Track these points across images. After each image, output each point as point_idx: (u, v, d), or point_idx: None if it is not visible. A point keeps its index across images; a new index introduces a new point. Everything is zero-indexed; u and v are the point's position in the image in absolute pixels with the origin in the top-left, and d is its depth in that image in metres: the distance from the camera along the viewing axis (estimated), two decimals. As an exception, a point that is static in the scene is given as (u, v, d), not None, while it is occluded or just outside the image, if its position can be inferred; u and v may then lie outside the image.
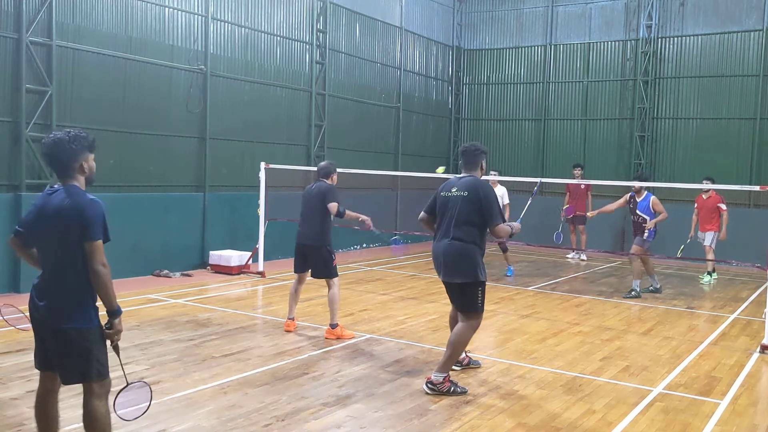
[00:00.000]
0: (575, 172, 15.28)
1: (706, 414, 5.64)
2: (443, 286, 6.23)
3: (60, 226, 3.71)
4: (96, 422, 3.80)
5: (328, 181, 7.78)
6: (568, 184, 15.15)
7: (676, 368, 6.96)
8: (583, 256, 15.37)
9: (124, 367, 4.04)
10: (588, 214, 12.61)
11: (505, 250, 12.77)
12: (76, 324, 3.72)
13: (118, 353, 3.87)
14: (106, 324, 3.79)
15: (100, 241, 3.70)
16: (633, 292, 10.79)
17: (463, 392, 5.91)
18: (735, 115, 15.89)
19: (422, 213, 6.33)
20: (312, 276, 7.84)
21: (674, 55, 16.61)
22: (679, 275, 13.62)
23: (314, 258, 7.67)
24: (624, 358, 7.25)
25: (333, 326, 7.65)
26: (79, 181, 3.84)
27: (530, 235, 14.23)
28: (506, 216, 12.37)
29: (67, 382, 3.85)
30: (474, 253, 5.91)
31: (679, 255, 12.33)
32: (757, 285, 12.55)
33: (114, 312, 3.75)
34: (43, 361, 3.89)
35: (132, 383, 3.98)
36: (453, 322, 6.31)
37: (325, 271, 7.67)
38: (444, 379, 5.87)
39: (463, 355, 6.54)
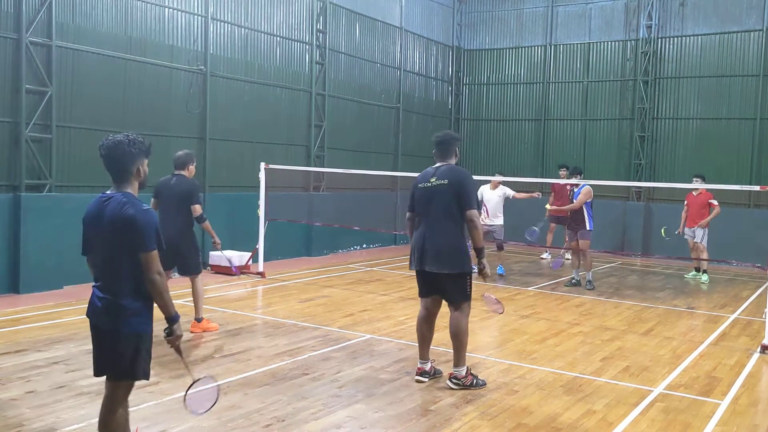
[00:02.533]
0: (561, 172, 15.25)
1: (707, 414, 5.63)
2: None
3: (115, 234, 3.73)
4: (116, 424, 3.86)
5: (186, 173, 7.63)
6: (553, 184, 15.11)
7: (677, 368, 6.96)
8: (568, 255, 15.35)
9: (188, 366, 4.21)
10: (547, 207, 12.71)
11: (500, 248, 12.70)
12: (134, 329, 3.77)
13: (181, 354, 3.95)
14: (165, 330, 3.84)
15: (155, 251, 3.73)
16: (589, 284, 11.36)
17: (484, 384, 6.00)
18: (735, 115, 15.89)
19: (408, 213, 6.24)
20: (179, 274, 7.65)
21: (674, 55, 16.61)
22: (678, 275, 13.61)
23: (180, 255, 7.44)
24: (624, 359, 7.24)
25: (198, 320, 7.66)
26: (134, 186, 3.87)
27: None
28: (522, 195, 12.47)
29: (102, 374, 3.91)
30: (461, 242, 5.93)
31: (663, 234, 12.53)
32: (757, 285, 12.54)
33: (172, 318, 3.81)
34: (99, 367, 3.91)
35: (199, 380, 4.10)
36: (423, 324, 6.17)
37: (192, 268, 7.57)
38: (466, 372, 5.93)
39: (429, 365, 6.21)
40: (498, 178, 12.32)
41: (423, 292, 6.19)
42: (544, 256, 15.55)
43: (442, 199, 5.91)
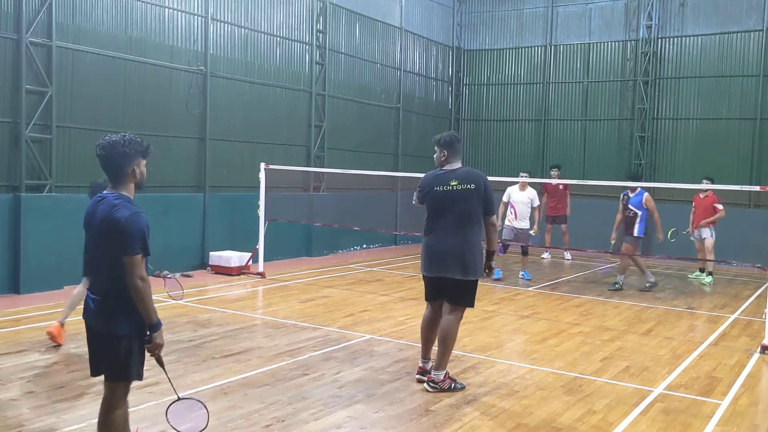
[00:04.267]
0: (552, 172, 15.27)
1: (707, 414, 5.63)
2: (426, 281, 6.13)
3: (104, 236, 3.71)
4: (115, 424, 3.85)
5: None
6: (546, 184, 15.12)
7: (677, 369, 6.96)
8: (568, 255, 15.35)
9: (170, 379, 4.06)
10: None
11: (525, 253, 12.53)
12: (126, 330, 3.75)
13: (162, 366, 3.88)
14: (145, 338, 3.78)
15: (139, 256, 3.66)
16: (617, 285, 11.40)
17: (462, 387, 5.95)
18: (735, 115, 15.89)
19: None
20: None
21: (674, 56, 16.61)
22: (679, 275, 13.61)
23: None
24: (624, 359, 7.24)
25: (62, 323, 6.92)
26: (129, 188, 3.82)
27: (533, 237, 14.26)
28: (536, 218, 12.28)
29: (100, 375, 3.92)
30: (481, 250, 5.93)
31: (669, 237, 12.47)
32: (757, 285, 12.55)
33: (153, 326, 3.73)
34: (95, 368, 3.91)
35: (184, 398, 4.04)
36: (428, 324, 6.13)
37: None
38: (444, 376, 5.89)
39: (430, 365, 6.11)
40: (525, 179, 12.08)
41: (430, 296, 6.12)
42: (544, 256, 15.56)
43: (466, 204, 5.83)
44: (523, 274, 12.42)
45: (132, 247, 3.64)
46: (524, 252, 12.47)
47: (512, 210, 12.02)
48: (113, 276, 3.71)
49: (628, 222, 11.25)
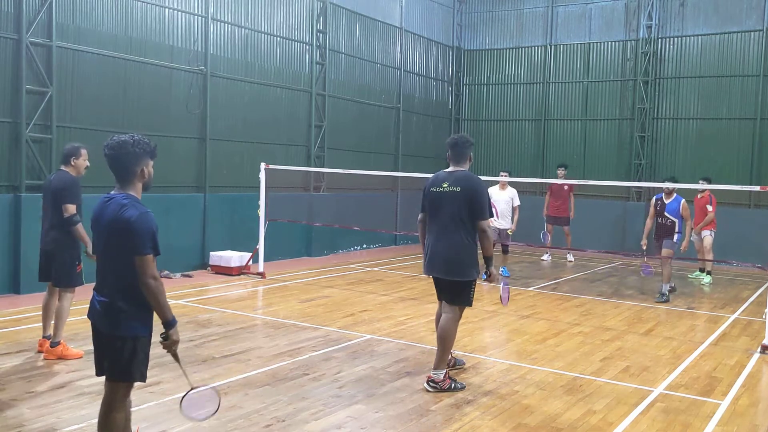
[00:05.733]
0: (559, 172, 15.18)
1: (707, 414, 5.64)
2: (432, 280, 6.22)
3: (112, 236, 3.72)
4: (115, 424, 3.85)
5: (70, 169, 6.47)
6: (551, 184, 15.07)
7: (677, 369, 6.96)
8: (570, 257, 15.34)
9: (185, 372, 4.00)
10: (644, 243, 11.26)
11: (506, 252, 12.71)
12: (131, 331, 3.75)
13: (177, 360, 3.89)
14: (162, 335, 3.79)
15: (150, 255, 3.67)
16: (664, 297, 10.65)
17: (462, 387, 5.97)
18: (735, 115, 15.89)
19: (420, 214, 6.26)
20: (54, 285, 6.60)
21: (674, 56, 16.61)
22: (679, 275, 13.61)
23: (56, 264, 6.47)
24: (624, 359, 7.25)
25: (54, 344, 6.45)
26: (137, 188, 3.84)
27: (531, 236, 14.28)
28: (515, 218, 12.35)
29: (104, 376, 3.91)
30: (473, 252, 5.93)
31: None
32: (757, 285, 12.54)
33: (169, 323, 3.75)
34: (100, 367, 3.91)
35: (197, 387, 4.01)
36: (438, 320, 6.23)
37: (66, 279, 6.48)
38: (444, 376, 5.91)
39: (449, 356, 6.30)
40: (504, 178, 12.20)
41: (438, 295, 6.25)
42: (544, 257, 15.55)
43: (452, 206, 5.89)
44: (502, 271, 12.49)
45: (143, 246, 3.66)
46: (504, 251, 12.55)
47: (494, 209, 12.05)
48: (120, 277, 3.72)
49: (667, 229, 10.62)
